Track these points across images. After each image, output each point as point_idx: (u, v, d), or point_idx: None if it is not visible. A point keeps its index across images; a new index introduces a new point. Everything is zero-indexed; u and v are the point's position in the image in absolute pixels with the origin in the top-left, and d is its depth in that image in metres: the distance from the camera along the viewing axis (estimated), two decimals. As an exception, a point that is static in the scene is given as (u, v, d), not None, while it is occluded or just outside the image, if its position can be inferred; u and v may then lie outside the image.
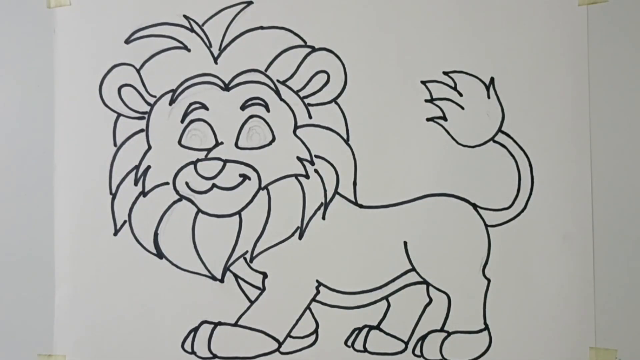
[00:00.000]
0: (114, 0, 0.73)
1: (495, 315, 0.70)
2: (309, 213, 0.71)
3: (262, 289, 0.72)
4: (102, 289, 0.72)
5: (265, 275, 0.72)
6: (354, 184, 0.71)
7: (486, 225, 0.70)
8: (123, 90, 0.72)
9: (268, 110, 0.71)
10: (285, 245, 0.71)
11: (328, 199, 0.71)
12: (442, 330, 0.70)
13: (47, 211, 0.73)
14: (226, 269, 0.72)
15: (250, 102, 0.71)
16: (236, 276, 0.72)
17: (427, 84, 0.71)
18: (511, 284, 0.70)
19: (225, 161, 0.71)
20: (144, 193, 0.72)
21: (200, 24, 0.72)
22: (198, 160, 0.72)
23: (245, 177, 0.71)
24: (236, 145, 0.71)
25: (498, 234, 0.70)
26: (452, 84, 0.71)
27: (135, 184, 0.72)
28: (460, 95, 0.71)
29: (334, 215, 0.71)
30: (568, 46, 0.69)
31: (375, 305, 0.71)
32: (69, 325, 0.73)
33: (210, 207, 0.72)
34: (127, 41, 0.72)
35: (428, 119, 0.71)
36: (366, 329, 0.71)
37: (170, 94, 0.72)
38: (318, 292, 0.71)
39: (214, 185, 0.71)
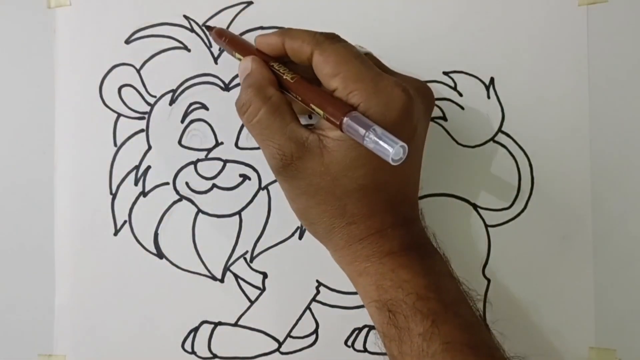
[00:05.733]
0: (114, 1, 0.73)
1: (495, 315, 0.70)
2: (309, 213, 0.71)
3: (262, 289, 0.72)
4: (102, 289, 0.72)
5: (265, 275, 0.72)
6: (354, 184, 0.71)
7: (486, 225, 0.70)
8: (123, 90, 0.72)
9: (268, 110, 0.71)
10: (285, 245, 0.71)
11: (328, 199, 0.71)
12: (442, 330, 0.70)
13: (47, 211, 0.73)
14: (226, 269, 0.72)
15: (250, 102, 0.71)
16: (236, 276, 0.72)
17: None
18: (511, 284, 0.70)
19: (226, 161, 0.71)
20: (144, 193, 0.72)
21: (201, 24, 0.72)
22: (198, 160, 0.72)
23: (245, 177, 0.71)
24: (236, 145, 0.71)
25: (498, 234, 0.70)
26: (452, 84, 0.71)
27: (136, 184, 0.72)
28: (460, 95, 0.71)
29: (334, 215, 0.71)
30: (568, 46, 0.69)
31: (375, 305, 0.71)
32: (69, 325, 0.73)
33: (210, 207, 0.72)
34: (127, 41, 0.72)
35: (428, 119, 0.71)
36: (366, 329, 0.71)
37: (171, 94, 0.72)
38: (318, 292, 0.71)
39: (214, 186, 0.71)
